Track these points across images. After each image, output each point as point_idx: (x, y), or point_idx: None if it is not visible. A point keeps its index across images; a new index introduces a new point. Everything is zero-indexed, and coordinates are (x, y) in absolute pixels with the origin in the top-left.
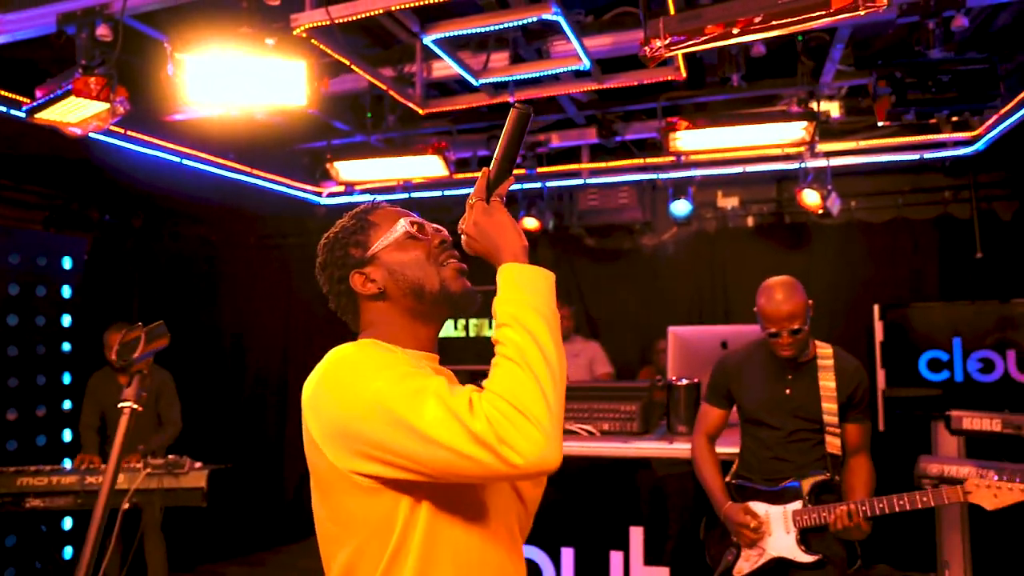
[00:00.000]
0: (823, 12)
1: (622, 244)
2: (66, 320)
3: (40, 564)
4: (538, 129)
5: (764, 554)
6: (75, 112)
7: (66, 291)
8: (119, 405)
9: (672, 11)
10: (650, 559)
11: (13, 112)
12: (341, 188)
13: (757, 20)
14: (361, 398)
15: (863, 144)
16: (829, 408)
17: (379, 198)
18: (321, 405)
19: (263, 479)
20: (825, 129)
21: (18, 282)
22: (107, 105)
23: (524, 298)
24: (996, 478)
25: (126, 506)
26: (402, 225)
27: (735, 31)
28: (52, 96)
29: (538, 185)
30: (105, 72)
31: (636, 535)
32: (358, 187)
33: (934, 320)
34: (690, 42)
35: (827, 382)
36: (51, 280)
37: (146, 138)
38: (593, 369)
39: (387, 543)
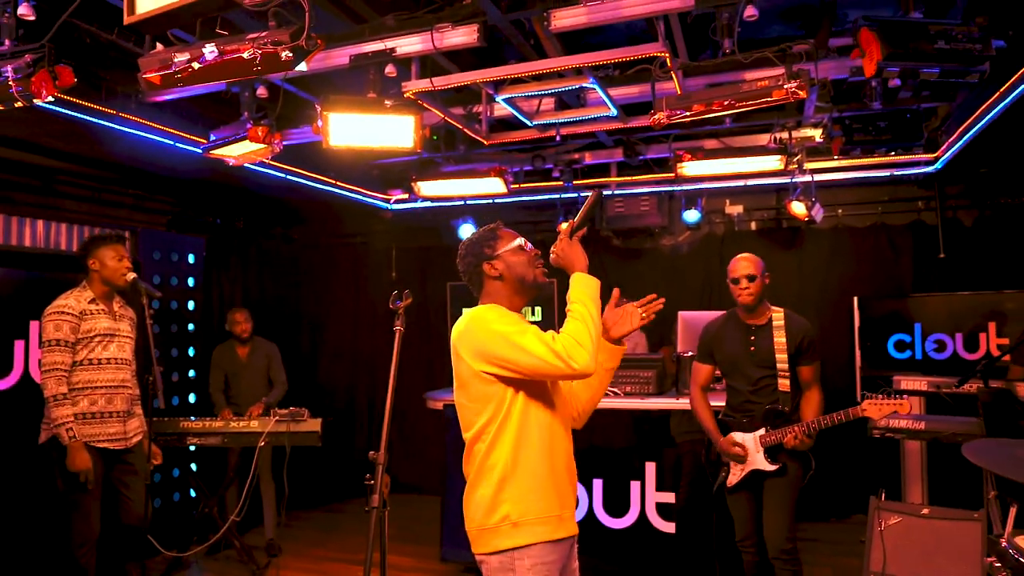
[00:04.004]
0: (768, 99)
1: (643, 244)
2: (191, 304)
3: (178, 496)
4: (574, 149)
5: (745, 469)
6: (240, 149)
7: (191, 281)
8: (393, 329)
9: (679, 91)
10: (660, 486)
11: (179, 145)
12: (405, 196)
13: (726, 102)
14: (492, 332)
15: (844, 163)
16: (781, 358)
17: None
18: (468, 336)
19: (335, 445)
20: (814, 149)
21: (158, 273)
22: (268, 146)
23: (584, 291)
24: (881, 398)
25: (262, 443)
26: (518, 241)
27: (713, 107)
28: (229, 138)
29: (574, 195)
30: (268, 123)
31: (650, 468)
32: (422, 198)
33: (899, 310)
34: (683, 114)
35: (780, 339)
36: (180, 272)
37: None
38: (636, 352)
39: (499, 413)
